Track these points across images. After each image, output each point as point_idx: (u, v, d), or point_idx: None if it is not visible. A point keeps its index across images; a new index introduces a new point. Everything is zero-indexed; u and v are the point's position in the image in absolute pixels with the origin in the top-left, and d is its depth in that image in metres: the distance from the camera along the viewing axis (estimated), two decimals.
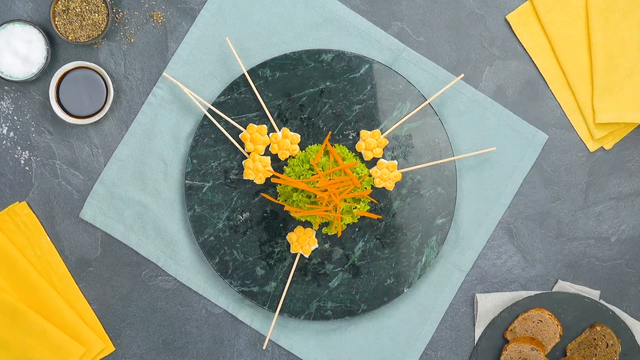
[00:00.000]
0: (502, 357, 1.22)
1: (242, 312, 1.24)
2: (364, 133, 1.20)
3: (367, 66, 1.22)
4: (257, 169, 1.19)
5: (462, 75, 1.21)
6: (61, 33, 1.20)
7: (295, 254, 1.22)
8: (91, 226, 1.24)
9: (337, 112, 1.22)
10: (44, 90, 1.23)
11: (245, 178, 1.20)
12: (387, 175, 1.20)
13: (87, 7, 1.20)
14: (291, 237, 1.21)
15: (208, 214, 1.21)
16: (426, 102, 1.21)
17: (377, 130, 1.20)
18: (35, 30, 1.20)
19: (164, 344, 1.25)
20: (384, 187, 1.21)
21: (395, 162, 1.20)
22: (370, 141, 1.20)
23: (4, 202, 1.24)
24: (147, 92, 1.24)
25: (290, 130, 1.22)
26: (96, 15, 1.20)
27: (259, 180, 1.20)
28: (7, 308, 1.20)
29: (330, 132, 1.22)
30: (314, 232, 1.22)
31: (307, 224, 1.22)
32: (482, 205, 1.24)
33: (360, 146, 1.21)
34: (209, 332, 1.25)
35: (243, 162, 1.20)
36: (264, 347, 1.22)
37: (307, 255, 1.21)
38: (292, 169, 1.18)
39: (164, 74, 1.21)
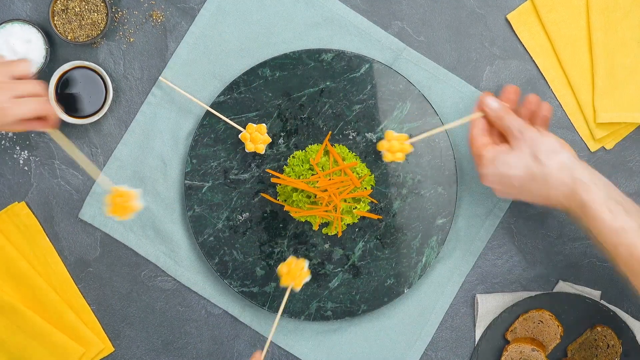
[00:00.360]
0: (502, 358, 1.21)
1: (242, 312, 1.24)
2: (389, 134, 1.16)
3: (367, 66, 1.21)
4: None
5: (481, 115, 1.12)
6: (60, 32, 1.20)
7: (294, 255, 1.21)
8: (90, 226, 1.24)
9: (337, 112, 1.22)
10: None
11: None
12: (396, 147, 1.15)
13: (86, 7, 1.20)
14: (281, 269, 1.16)
15: (208, 214, 1.21)
16: (442, 128, 1.16)
17: (405, 135, 1.16)
18: (34, 30, 1.19)
19: (164, 345, 1.25)
20: (393, 163, 1.18)
21: (406, 134, 1.17)
22: (394, 144, 1.15)
23: (3, 202, 1.23)
24: (146, 92, 1.24)
25: (291, 131, 1.21)
26: (95, 14, 1.20)
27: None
28: (6, 308, 1.20)
29: (330, 132, 1.21)
30: (307, 263, 1.16)
31: (300, 255, 1.22)
32: (483, 206, 1.24)
33: (382, 146, 1.16)
34: (208, 333, 1.24)
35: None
36: (263, 355, 1.16)
37: (297, 289, 1.16)
38: (292, 169, 1.18)
39: (160, 78, 1.21)
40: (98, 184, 1.21)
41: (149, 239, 1.23)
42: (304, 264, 1.15)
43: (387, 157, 1.16)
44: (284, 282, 1.15)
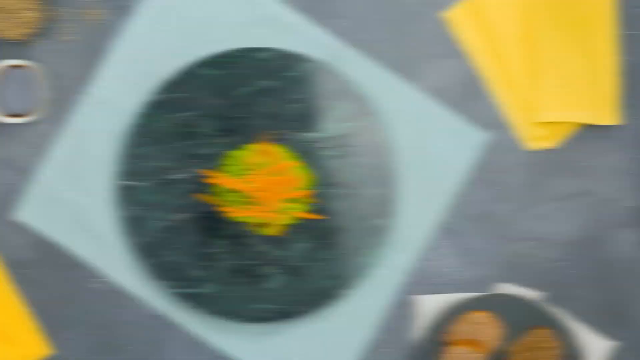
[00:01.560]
0: None
1: (179, 314, 1.23)
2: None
3: (304, 65, 1.20)
4: None
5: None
6: None
7: (234, 256, 1.20)
8: (25, 227, 1.22)
9: (274, 112, 1.20)
10: None
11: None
12: None
13: (19, 4, 1.18)
14: None
15: (144, 215, 1.20)
16: None
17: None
18: None
19: (101, 347, 1.23)
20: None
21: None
22: None
23: None
24: (81, 91, 1.22)
25: (228, 130, 1.20)
26: (29, 12, 1.19)
27: None
28: None
29: (267, 132, 1.20)
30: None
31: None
32: (422, 206, 1.23)
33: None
34: (145, 335, 1.23)
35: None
36: None
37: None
38: (228, 169, 1.17)
39: (96, 76, 1.20)
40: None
41: (85, 240, 1.22)
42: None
43: None
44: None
